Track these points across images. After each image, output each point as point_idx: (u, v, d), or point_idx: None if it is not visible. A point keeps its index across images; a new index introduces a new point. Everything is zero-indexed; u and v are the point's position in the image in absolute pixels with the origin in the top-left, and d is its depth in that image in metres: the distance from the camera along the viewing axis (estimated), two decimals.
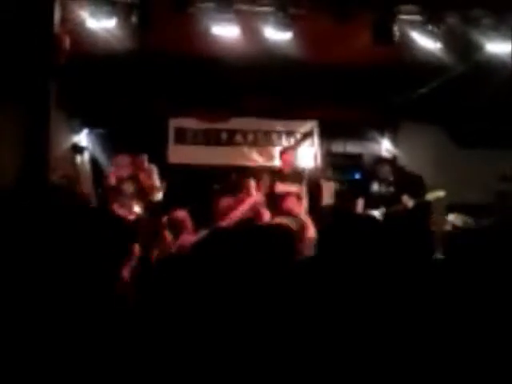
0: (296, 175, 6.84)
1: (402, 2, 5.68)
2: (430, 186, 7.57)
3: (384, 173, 6.69)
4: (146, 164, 7.04)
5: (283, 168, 6.95)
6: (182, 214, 5.12)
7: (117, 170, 6.88)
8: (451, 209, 7.33)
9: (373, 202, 6.53)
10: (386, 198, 6.49)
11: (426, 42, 5.84)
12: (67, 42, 5.17)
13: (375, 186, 6.61)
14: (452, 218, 6.70)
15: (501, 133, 7.88)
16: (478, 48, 5.94)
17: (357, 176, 8.15)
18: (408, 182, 6.84)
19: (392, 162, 7.48)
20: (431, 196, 6.38)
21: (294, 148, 7.67)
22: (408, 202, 6.32)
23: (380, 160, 7.41)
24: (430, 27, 5.71)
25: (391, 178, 6.61)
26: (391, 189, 6.54)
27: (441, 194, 6.33)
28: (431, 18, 5.68)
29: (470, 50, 6.04)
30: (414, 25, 5.84)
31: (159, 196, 6.99)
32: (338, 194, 7.78)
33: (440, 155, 8.04)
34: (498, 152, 7.89)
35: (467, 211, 6.88)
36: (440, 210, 6.78)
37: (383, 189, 6.56)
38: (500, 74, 6.38)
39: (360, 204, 6.61)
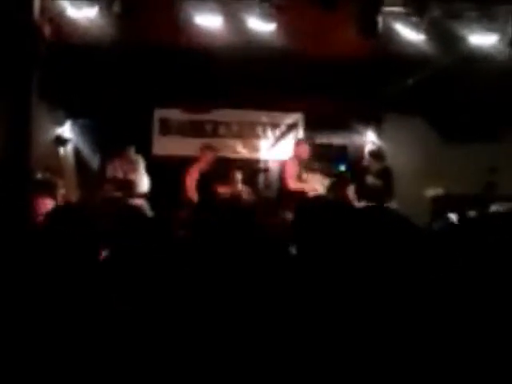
0: None
1: None
2: (413, 178, 7.64)
3: (375, 165, 6.68)
4: (133, 155, 7.00)
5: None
6: None
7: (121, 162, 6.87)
8: (437, 200, 7.39)
9: (366, 193, 6.50)
10: (379, 191, 6.48)
11: (410, 34, 5.85)
12: (48, 31, 5.09)
13: (370, 179, 6.59)
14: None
15: (486, 125, 7.94)
16: (462, 40, 5.97)
17: (342, 168, 8.15)
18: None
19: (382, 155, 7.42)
20: (431, 192, 6.43)
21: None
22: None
23: (375, 153, 7.38)
24: (413, 19, 5.72)
25: (380, 172, 6.60)
26: (383, 182, 6.54)
27: (440, 190, 6.40)
28: (415, 10, 5.68)
29: (454, 42, 6.06)
30: (398, 17, 5.84)
31: (145, 188, 6.97)
32: (334, 188, 7.79)
33: (425, 147, 8.06)
34: (482, 144, 7.95)
35: (452, 203, 6.93)
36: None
37: (377, 182, 6.56)
38: (485, 67, 6.41)
39: (351, 191, 6.59)
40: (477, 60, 6.30)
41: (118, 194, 6.68)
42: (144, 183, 6.90)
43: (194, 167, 7.16)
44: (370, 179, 6.58)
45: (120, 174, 6.80)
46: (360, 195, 6.56)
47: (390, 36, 6.00)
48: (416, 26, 5.79)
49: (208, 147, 7.35)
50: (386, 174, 6.61)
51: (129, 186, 6.64)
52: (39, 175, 6.61)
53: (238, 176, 7.41)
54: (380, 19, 5.71)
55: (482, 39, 5.87)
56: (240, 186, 7.42)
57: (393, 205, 6.38)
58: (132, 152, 6.99)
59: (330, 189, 7.77)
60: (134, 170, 6.90)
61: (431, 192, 6.42)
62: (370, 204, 6.29)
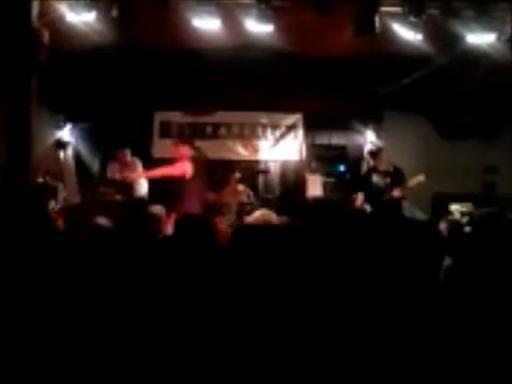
0: None
1: None
2: (413, 176, 7.65)
3: (382, 164, 6.63)
4: (129, 157, 7.01)
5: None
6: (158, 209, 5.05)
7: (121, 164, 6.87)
8: (437, 199, 7.39)
9: (373, 194, 6.48)
10: (385, 190, 6.44)
11: (408, 34, 5.84)
12: (46, 36, 5.10)
13: (375, 178, 6.56)
14: (455, 207, 6.75)
15: (485, 123, 7.94)
16: (460, 39, 5.96)
17: (342, 168, 8.16)
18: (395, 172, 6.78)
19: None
20: (413, 182, 6.36)
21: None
22: (395, 192, 6.33)
23: (376, 152, 7.32)
24: (411, 19, 5.71)
25: (391, 169, 6.55)
26: (388, 180, 6.49)
27: (421, 178, 6.31)
28: (412, 10, 5.67)
29: (452, 41, 6.05)
30: (395, 16, 5.83)
31: (143, 191, 6.98)
32: (335, 188, 7.80)
33: (424, 146, 8.08)
34: (481, 142, 7.96)
35: (453, 201, 6.94)
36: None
37: (381, 180, 6.52)
38: (483, 66, 6.42)
39: (359, 199, 6.57)
40: (475, 58, 6.30)
41: (118, 196, 6.69)
42: (142, 186, 6.91)
43: None
44: (376, 178, 6.55)
45: (118, 177, 6.81)
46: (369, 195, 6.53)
47: (388, 35, 5.99)
48: (414, 26, 5.78)
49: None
50: (394, 172, 6.54)
51: (127, 189, 6.64)
52: (40, 179, 6.64)
53: (237, 176, 7.42)
54: (377, 19, 5.71)
55: (479, 38, 5.86)
56: (239, 187, 7.44)
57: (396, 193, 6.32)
58: (128, 154, 6.99)
59: (331, 190, 7.79)
60: (132, 172, 6.91)
61: (411, 182, 6.36)
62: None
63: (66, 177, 7.54)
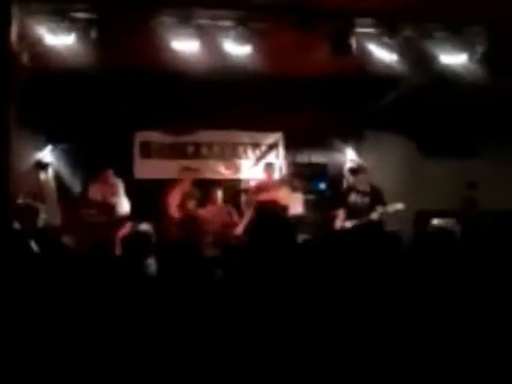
0: None
1: (358, 16, 5.81)
2: (394, 195, 7.74)
3: (362, 183, 6.72)
4: (112, 178, 7.00)
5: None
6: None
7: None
8: (420, 216, 7.46)
9: (350, 213, 6.55)
10: (363, 210, 6.51)
11: (383, 54, 5.99)
12: (26, 58, 5.13)
13: (353, 197, 6.63)
14: (437, 222, 6.80)
15: (464, 141, 8.09)
16: (433, 59, 6.12)
17: (322, 186, 8.24)
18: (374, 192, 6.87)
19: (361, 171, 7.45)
20: (391, 208, 6.47)
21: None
22: (373, 215, 6.41)
23: (356, 170, 7.42)
24: (386, 39, 5.87)
25: (368, 189, 6.63)
26: (366, 200, 6.56)
27: (400, 206, 6.42)
28: (387, 31, 5.83)
29: (426, 61, 6.21)
30: (371, 37, 5.99)
31: (126, 211, 6.96)
32: (316, 206, 7.87)
33: (405, 164, 8.17)
34: (461, 159, 8.09)
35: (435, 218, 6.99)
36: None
37: (359, 200, 6.59)
38: (458, 85, 6.57)
39: (341, 216, 6.63)
40: (449, 78, 6.45)
41: (102, 218, 6.66)
42: (124, 206, 6.90)
43: (176, 189, 7.19)
44: (354, 197, 6.63)
45: (99, 198, 6.79)
46: (347, 214, 6.62)
47: (365, 55, 6.13)
48: (389, 46, 5.93)
49: (187, 169, 7.42)
50: (373, 192, 6.63)
51: (108, 210, 6.63)
52: (20, 200, 6.59)
53: (219, 195, 7.47)
54: (354, 39, 5.85)
55: (452, 58, 6.03)
56: (221, 205, 7.49)
57: (374, 216, 6.42)
58: (111, 175, 6.99)
59: (312, 208, 7.86)
60: (114, 193, 6.90)
61: (390, 208, 6.47)
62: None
63: (46, 198, 7.49)
